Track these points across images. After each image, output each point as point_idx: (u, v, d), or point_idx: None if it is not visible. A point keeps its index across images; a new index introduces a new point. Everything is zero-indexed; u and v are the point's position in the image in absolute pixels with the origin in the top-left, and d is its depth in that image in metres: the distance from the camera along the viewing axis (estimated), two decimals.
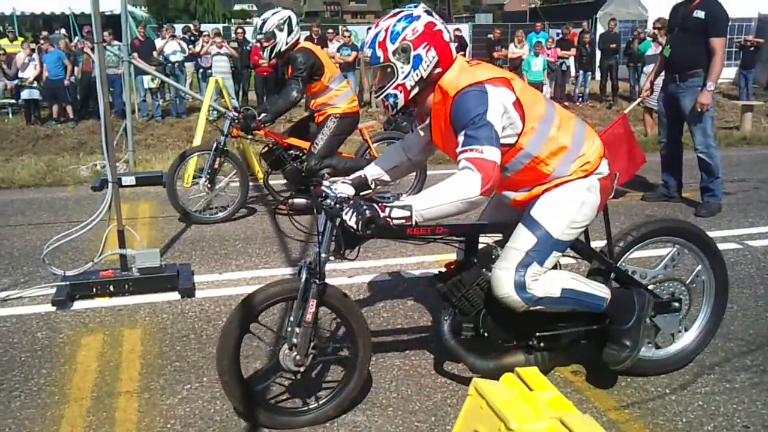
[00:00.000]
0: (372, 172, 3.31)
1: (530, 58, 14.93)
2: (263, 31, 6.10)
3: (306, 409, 3.19)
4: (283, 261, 5.39)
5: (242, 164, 6.78)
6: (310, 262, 2.96)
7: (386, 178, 3.33)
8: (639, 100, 7.73)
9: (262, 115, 6.06)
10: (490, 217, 3.37)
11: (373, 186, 3.30)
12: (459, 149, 2.76)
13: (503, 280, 2.95)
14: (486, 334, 3.16)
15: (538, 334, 3.19)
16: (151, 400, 3.43)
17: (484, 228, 3.25)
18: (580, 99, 16.58)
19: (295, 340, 2.94)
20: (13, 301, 4.70)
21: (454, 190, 2.71)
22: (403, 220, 2.70)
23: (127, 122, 8.70)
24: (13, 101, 14.06)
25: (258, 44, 6.85)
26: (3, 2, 17.77)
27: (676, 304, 3.41)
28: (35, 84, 13.72)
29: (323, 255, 2.89)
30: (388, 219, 2.68)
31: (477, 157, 2.69)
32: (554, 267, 3.11)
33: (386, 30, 2.87)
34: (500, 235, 3.24)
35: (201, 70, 15.32)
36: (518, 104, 2.89)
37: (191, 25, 17.78)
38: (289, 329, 2.96)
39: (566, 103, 15.88)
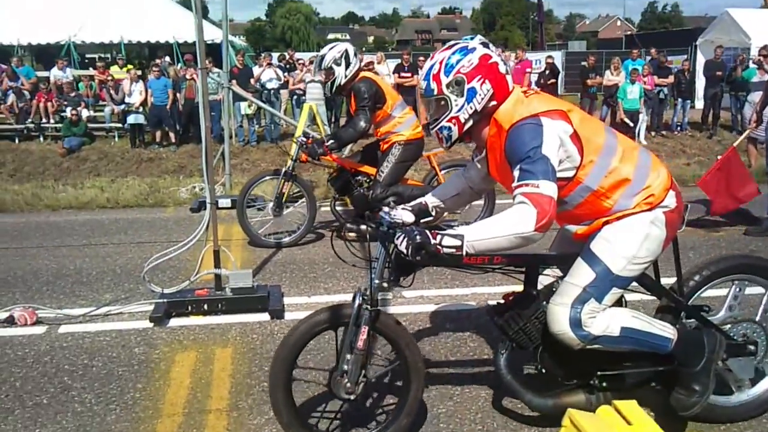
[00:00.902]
0: (433, 199, 3.28)
1: (626, 85, 14.56)
2: (322, 66, 6.19)
3: None
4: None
5: (310, 189, 6.87)
6: (364, 288, 2.93)
7: (447, 206, 3.30)
8: (747, 132, 7.40)
9: (330, 142, 6.15)
10: (557, 249, 3.28)
11: (434, 213, 3.26)
12: (515, 184, 2.70)
13: (558, 315, 2.86)
14: (543, 371, 3.07)
15: (599, 373, 3.05)
16: (240, 419, 3.48)
17: (544, 259, 3.17)
18: (678, 128, 16.02)
19: (346, 367, 2.91)
20: (114, 316, 4.90)
21: (508, 223, 2.66)
22: (454, 250, 2.66)
23: (225, 147, 9.01)
24: (120, 125, 14.78)
25: (319, 80, 7.01)
26: (112, 31, 18.82)
27: (752, 347, 3.20)
28: (140, 109, 14.40)
29: (376, 281, 2.88)
30: (439, 246, 2.65)
31: (533, 192, 2.63)
32: (619, 304, 2.99)
33: (441, 62, 2.85)
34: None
35: (295, 97, 15.72)
36: (576, 137, 2.81)
37: (286, 54, 18.30)
38: (341, 356, 2.94)
39: (664, 132, 15.38)
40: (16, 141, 14.34)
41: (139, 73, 15.96)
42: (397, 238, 2.67)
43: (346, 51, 6.17)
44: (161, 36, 19.33)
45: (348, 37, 77.23)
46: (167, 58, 17.90)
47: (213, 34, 14.99)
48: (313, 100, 13.50)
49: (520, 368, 3.11)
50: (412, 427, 3.19)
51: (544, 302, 2.98)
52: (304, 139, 6.37)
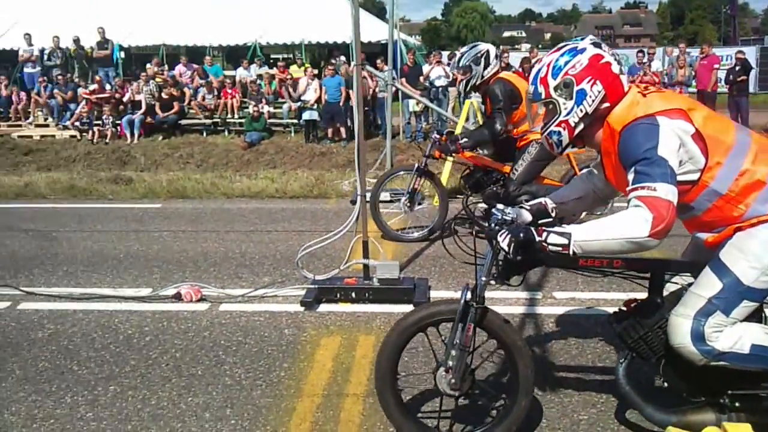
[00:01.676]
0: (554, 200, 3.14)
1: None
2: (460, 64, 6.11)
3: None
4: (523, 285, 5.31)
5: (443, 186, 6.82)
6: (473, 285, 2.87)
7: (568, 208, 3.15)
8: None
9: (464, 140, 6.10)
10: (689, 257, 3.01)
11: (553, 215, 3.11)
12: (630, 187, 2.52)
13: (679, 327, 2.65)
14: (666, 384, 2.85)
15: (731, 392, 2.77)
16: (375, 405, 3.52)
17: (669, 265, 2.94)
18: None
19: (450, 363, 2.88)
20: (269, 298, 5.18)
21: (620, 226, 2.50)
22: (560, 248, 2.55)
23: (387, 142, 9.23)
24: (296, 121, 15.56)
25: (455, 77, 6.91)
26: (294, 33, 19.82)
27: None
28: (315, 106, 15.07)
29: (483, 279, 2.81)
30: (544, 244, 2.56)
31: (649, 195, 2.45)
32: (759, 318, 2.71)
33: (548, 65, 2.74)
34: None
35: (462, 95, 15.70)
36: (698, 136, 2.56)
37: (457, 52, 18.32)
38: (447, 351, 2.91)
39: None
40: (204, 134, 15.53)
41: (316, 72, 16.69)
42: (501, 235, 2.61)
43: (488, 51, 6.09)
44: (338, 36, 20.09)
45: (524, 34, 75.97)
46: (342, 58, 18.56)
47: (386, 34, 15.33)
48: (476, 97, 13.42)
49: (642, 379, 2.92)
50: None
51: (669, 311, 2.77)
52: (438, 136, 6.39)
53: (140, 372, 3.98)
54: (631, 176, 2.54)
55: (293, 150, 13.82)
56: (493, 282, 2.84)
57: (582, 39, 2.80)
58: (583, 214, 5.35)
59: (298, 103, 15.34)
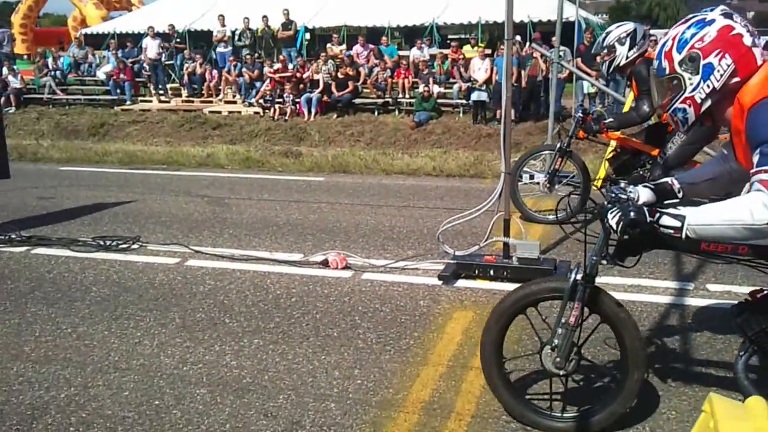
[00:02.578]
0: (683, 180, 2.94)
1: None
2: (604, 44, 5.73)
3: (560, 416, 3.09)
4: (672, 273, 5.07)
5: (585, 167, 6.51)
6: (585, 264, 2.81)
7: (699, 190, 2.95)
8: None
9: (609, 120, 5.82)
10: None
11: (680, 195, 2.92)
12: (753, 170, 2.33)
13: None
14: None
15: None
16: None
17: None
18: None
19: (556, 342, 2.88)
20: (410, 270, 5.33)
21: (738, 211, 2.34)
22: (672, 231, 2.46)
23: (549, 122, 9.03)
24: (465, 102, 15.56)
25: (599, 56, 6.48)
26: (472, 12, 19.74)
27: None
28: (484, 87, 14.99)
29: (593, 258, 2.76)
30: (656, 225, 2.47)
31: None
32: None
33: (674, 38, 2.57)
34: None
35: None
36: None
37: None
38: (554, 330, 2.90)
39: None
40: (376, 114, 15.98)
41: (488, 52, 16.56)
42: (610, 213, 2.55)
43: (634, 31, 5.70)
44: (517, 16, 19.73)
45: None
46: (518, 37, 18.26)
47: (568, 12, 14.86)
48: None
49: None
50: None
51: None
52: (582, 116, 6.13)
53: (282, 329, 4.28)
54: (756, 158, 2.36)
55: (460, 130, 13.87)
56: (604, 262, 2.77)
57: (712, 10, 2.61)
58: None
59: (468, 84, 15.33)
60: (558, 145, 6.43)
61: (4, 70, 18.50)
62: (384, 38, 18.30)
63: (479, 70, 15.30)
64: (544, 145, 7.27)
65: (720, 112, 2.63)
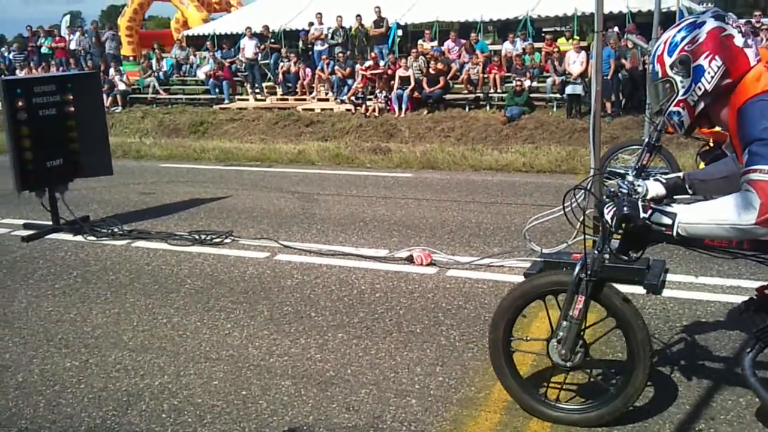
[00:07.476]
0: (695, 176, 2.95)
1: None
2: None
3: (567, 407, 3.14)
4: (681, 267, 5.06)
5: (675, 163, 6.25)
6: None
7: (710, 187, 2.91)
8: None
9: None
10: None
11: (691, 192, 2.93)
12: (742, 169, 2.29)
13: None
14: None
15: None
16: (581, 379, 3.50)
17: None
18: None
19: (561, 334, 2.96)
20: (495, 268, 5.28)
21: (726, 211, 2.37)
22: (664, 228, 2.53)
23: (645, 116, 8.70)
24: (559, 96, 15.21)
25: None
26: (568, 4, 19.27)
27: None
28: (579, 80, 14.60)
29: (596, 251, 2.84)
30: (648, 221, 2.54)
31: (761, 179, 2.26)
32: None
33: (665, 42, 2.57)
34: None
35: None
36: None
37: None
38: (558, 322, 2.97)
39: None
40: (467, 109, 15.86)
41: (584, 44, 16.12)
42: (607, 206, 2.62)
43: None
44: (614, 5, 19.13)
45: None
46: (615, 29, 17.69)
47: (667, 2, 14.29)
48: None
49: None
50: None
51: None
52: None
53: (366, 324, 4.33)
54: (745, 157, 2.34)
55: (553, 125, 13.59)
56: (607, 256, 2.85)
57: (704, 13, 2.58)
58: None
59: (563, 77, 14.98)
60: (645, 140, 6.20)
61: (111, 71, 19.48)
62: (473, 34, 18.12)
63: (574, 63, 14.91)
64: (631, 139, 7.01)
65: (716, 113, 2.61)
